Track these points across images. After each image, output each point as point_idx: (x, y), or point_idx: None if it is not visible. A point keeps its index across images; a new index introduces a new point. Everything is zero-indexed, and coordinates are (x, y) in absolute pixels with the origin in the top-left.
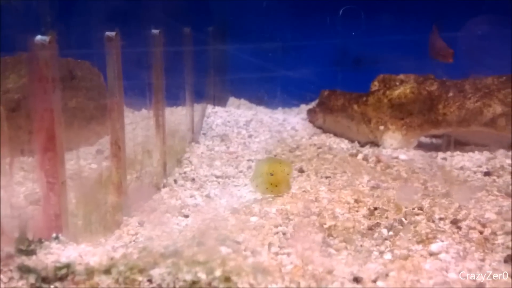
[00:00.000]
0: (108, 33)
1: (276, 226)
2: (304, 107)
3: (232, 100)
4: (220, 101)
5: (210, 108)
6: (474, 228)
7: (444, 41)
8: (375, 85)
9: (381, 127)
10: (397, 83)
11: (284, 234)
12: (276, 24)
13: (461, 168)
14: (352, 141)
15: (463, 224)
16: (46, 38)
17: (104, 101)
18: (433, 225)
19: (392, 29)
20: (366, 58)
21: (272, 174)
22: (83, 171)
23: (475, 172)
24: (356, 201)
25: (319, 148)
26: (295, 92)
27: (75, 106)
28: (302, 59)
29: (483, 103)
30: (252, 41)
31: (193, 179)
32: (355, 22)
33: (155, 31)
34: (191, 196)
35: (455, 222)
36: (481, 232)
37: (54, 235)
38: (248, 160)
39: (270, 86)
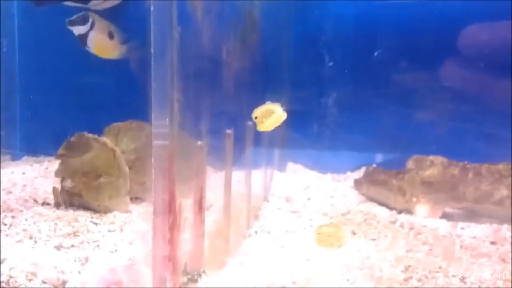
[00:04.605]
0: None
1: (342, 274)
2: (350, 174)
3: (290, 164)
4: (281, 166)
5: (276, 173)
6: (475, 283)
7: None
8: (410, 163)
9: (414, 199)
10: (428, 163)
11: (348, 280)
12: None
13: (474, 237)
14: (390, 208)
15: (468, 281)
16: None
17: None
18: (448, 280)
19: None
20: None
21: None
22: None
23: (483, 241)
24: (396, 259)
25: (366, 214)
26: (343, 163)
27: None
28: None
29: (493, 187)
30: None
31: (268, 232)
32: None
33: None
34: (269, 245)
35: (462, 279)
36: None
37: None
38: (309, 220)
39: (323, 157)
